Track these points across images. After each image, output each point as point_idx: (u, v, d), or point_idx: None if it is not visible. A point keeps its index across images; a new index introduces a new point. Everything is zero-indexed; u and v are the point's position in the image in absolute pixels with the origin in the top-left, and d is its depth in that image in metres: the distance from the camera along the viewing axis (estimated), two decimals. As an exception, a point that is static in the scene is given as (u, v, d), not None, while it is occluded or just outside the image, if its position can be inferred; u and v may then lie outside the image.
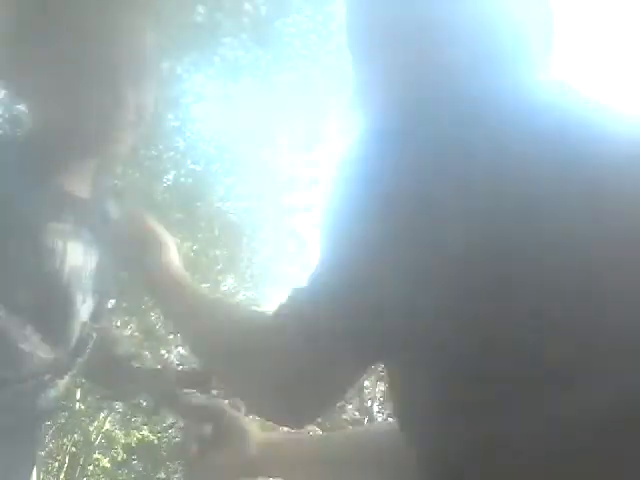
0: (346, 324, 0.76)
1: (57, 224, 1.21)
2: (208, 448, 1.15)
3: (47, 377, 1.20)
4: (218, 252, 9.36)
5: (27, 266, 1.15)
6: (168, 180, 8.85)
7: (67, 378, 1.28)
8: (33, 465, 1.29)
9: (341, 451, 1.11)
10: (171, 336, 10.32)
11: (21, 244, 1.15)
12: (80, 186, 1.29)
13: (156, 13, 1.31)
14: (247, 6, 7.37)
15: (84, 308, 1.28)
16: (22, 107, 1.28)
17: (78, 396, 9.40)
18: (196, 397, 1.23)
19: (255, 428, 1.16)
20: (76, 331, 1.25)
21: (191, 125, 8.54)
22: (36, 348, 1.16)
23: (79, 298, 1.25)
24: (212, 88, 8.37)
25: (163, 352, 10.32)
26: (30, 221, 1.17)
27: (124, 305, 9.26)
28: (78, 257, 1.24)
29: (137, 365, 1.37)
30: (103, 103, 1.18)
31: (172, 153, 8.68)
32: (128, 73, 1.19)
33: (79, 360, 1.27)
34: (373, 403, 10.48)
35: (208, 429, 1.17)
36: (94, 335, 1.30)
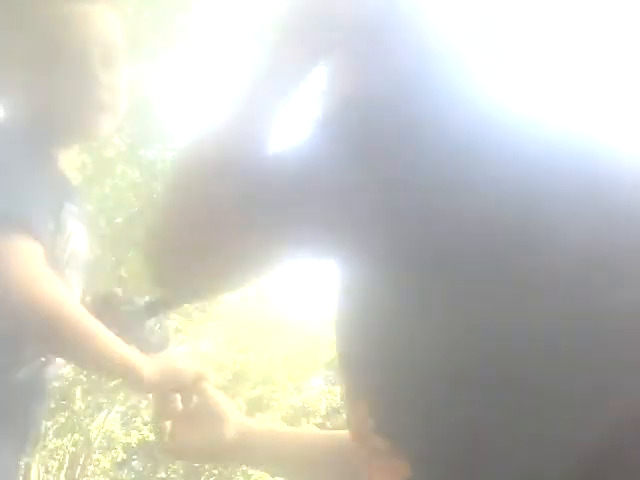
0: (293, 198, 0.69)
1: (69, 205, 1.25)
2: (179, 426, 1.08)
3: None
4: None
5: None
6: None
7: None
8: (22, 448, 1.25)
9: (324, 453, 1.07)
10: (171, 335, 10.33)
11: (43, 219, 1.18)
12: (69, 173, 1.33)
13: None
14: (246, 6, 7.38)
15: (75, 291, 1.29)
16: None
17: (78, 395, 9.41)
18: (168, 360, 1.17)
19: (236, 412, 1.09)
20: None
21: (191, 125, 8.55)
22: None
23: (74, 279, 1.27)
24: (212, 88, 8.38)
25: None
26: (47, 200, 1.21)
27: (124, 305, 9.27)
28: (79, 239, 1.28)
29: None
30: (76, 86, 1.23)
31: (172, 153, 8.69)
32: (98, 56, 1.24)
33: None
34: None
35: (178, 405, 1.09)
36: None
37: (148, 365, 1.13)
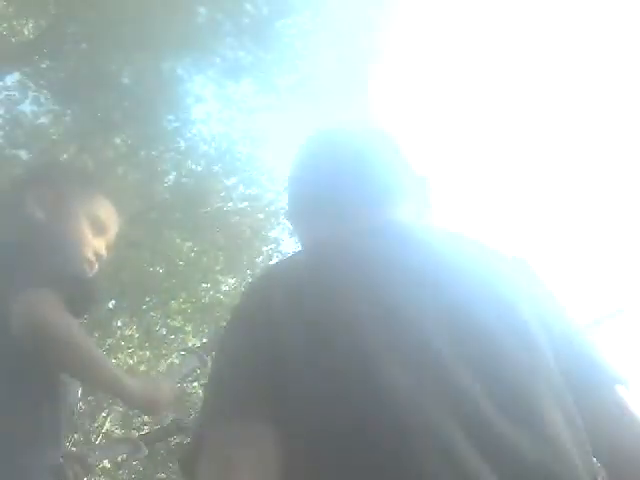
0: None
1: None
2: None
3: None
4: (218, 252, 9.38)
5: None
6: (169, 180, 8.88)
7: None
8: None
9: None
10: (172, 336, 10.33)
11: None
12: None
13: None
14: (248, 7, 7.39)
15: None
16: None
17: (78, 395, 9.41)
18: None
19: None
20: None
21: (191, 126, 8.57)
22: None
23: None
24: (212, 89, 8.40)
25: (164, 352, 10.35)
26: None
27: (124, 305, 9.28)
28: None
29: None
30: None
31: (173, 154, 8.71)
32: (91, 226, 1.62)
33: None
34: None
35: None
36: None
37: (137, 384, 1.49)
